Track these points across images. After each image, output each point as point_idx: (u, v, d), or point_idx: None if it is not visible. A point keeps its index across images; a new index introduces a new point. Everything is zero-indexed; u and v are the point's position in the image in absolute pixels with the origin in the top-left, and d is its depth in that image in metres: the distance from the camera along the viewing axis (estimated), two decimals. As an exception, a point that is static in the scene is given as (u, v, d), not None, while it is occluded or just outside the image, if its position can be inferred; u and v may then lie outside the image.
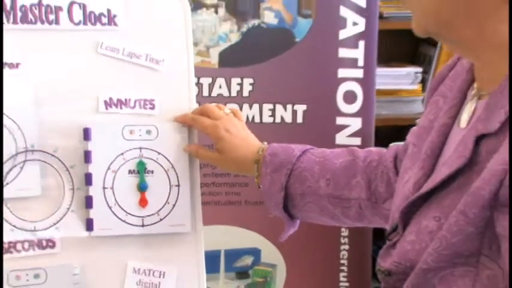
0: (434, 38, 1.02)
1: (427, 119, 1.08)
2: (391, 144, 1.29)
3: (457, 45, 1.01)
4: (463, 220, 0.88)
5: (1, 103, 1.15)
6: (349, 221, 1.31)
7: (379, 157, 1.28)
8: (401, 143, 1.26)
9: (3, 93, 1.15)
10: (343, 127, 2.45)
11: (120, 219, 1.22)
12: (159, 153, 1.25)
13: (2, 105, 1.15)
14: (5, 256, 1.16)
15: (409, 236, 0.96)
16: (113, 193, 1.22)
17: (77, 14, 1.22)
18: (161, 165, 1.25)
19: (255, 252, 2.48)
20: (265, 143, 1.32)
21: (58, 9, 1.22)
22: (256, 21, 2.43)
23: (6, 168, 1.16)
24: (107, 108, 1.23)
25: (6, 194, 1.16)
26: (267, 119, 2.43)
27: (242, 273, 2.50)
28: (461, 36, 0.95)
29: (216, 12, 2.41)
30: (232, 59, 2.42)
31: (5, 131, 1.17)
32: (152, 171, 1.24)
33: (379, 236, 2.63)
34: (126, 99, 1.24)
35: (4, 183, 1.16)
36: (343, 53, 2.43)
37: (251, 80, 2.43)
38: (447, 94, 1.06)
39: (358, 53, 2.45)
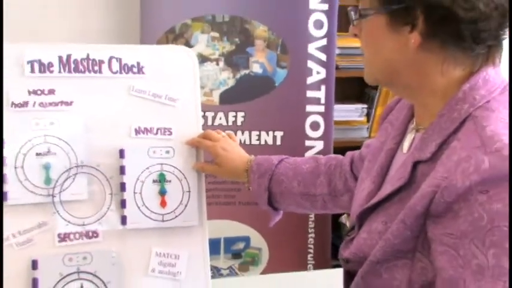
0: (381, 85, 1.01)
1: (379, 141, 1.07)
2: (348, 152, 1.28)
3: (402, 91, 1.00)
4: (403, 227, 0.87)
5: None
6: (317, 210, 1.30)
7: (336, 162, 1.26)
8: (356, 151, 1.25)
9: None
10: (310, 148, 2.46)
11: (146, 216, 1.21)
12: (175, 168, 1.24)
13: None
14: (61, 244, 1.15)
15: (363, 234, 0.96)
16: (141, 197, 1.21)
17: (115, 66, 1.23)
18: (176, 176, 1.24)
19: (246, 239, 2.47)
20: (252, 156, 1.30)
21: (101, 62, 1.22)
22: (246, 71, 2.43)
23: (62, 178, 1.16)
24: (136, 135, 1.23)
25: (62, 197, 1.15)
26: (254, 142, 2.43)
27: (236, 255, 2.48)
28: (406, 85, 0.94)
29: (217, 64, 2.41)
30: (229, 98, 2.42)
31: (62, 151, 1.16)
32: (170, 181, 1.23)
33: (336, 229, 2.65)
34: (150, 128, 1.24)
35: (61, 189, 1.16)
36: (310, 94, 2.44)
37: (243, 114, 2.43)
38: (394, 122, 1.05)
39: (321, 94, 2.46)
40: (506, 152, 0.79)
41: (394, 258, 0.90)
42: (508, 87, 0.90)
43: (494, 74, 0.90)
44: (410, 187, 0.90)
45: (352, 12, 0.95)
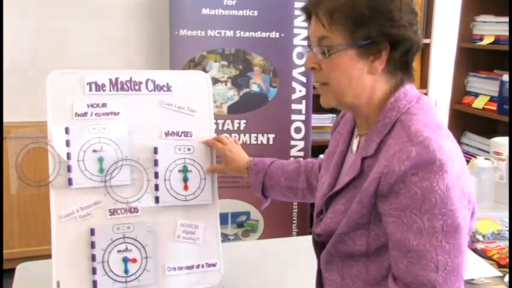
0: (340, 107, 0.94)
1: (332, 146, 1.06)
2: (320, 156, 1.26)
3: (352, 108, 0.95)
4: (360, 206, 0.87)
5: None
6: (297, 200, 1.28)
7: (312, 164, 1.25)
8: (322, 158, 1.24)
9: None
10: (294, 146, 2.48)
11: (173, 196, 1.20)
12: (194, 161, 1.23)
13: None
14: (111, 217, 1.15)
15: (329, 215, 0.95)
16: (170, 182, 1.20)
17: (150, 86, 1.22)
18: (196, 168, 1.23)
19: (247, 213, 2.48)
20: (251, 157, 1.28)
21: (140, 82, 1.21)
22: (247, 89, 2.44)
23: (112, 168, 1.16)
24: (166, 136, 1.22)
25: (112, 182, 1.15)
26: (253, 142, 2.45)
27: (240, 225, 2.50)
28: (358, 104, 0.91)
29: (226, 84, 2.42)
30: (235, 110, 2.44)
31: (111, 149, 1.16)
32: (191, 171, 1.23)
33: (313, 206, 2.63)
34: (176, 131, 1.23)
35: (111, 177, 1.15)
36: (294, 106, 2.46)
37: (245, 121, 2.45)
38: (341, 132, 1.04)
39: (302, 107, 2.48)
40: (428, 143, 0.80)
41: (355, 229, 0.89)
42: (422, 98, 0.91)
43: (410, 89, 0.90)
44: (362, 177, 0.89)
45: (317, 49, 0.88)
